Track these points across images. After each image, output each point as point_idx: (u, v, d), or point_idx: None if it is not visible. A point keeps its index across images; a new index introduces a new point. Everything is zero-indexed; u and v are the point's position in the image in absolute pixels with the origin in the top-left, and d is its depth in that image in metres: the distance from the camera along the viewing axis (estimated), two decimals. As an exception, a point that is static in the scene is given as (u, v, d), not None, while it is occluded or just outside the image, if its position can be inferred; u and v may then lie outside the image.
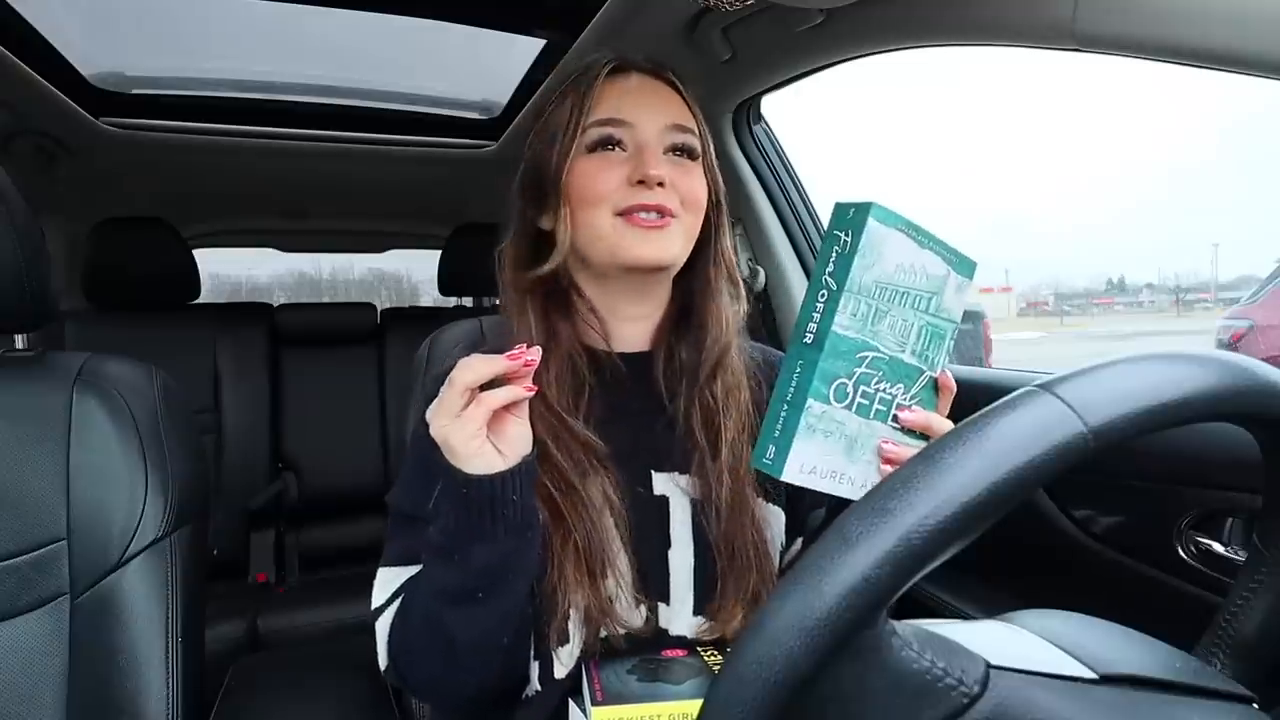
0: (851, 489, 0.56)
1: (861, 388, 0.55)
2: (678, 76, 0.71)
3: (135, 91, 1.62)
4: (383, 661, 0.64)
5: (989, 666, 0.34)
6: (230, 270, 3.40)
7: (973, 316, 5.66)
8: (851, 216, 0.52)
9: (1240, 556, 0.74)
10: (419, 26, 1.29)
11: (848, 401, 0.55)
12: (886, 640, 0.33)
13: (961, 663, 0.34)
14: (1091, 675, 0.36)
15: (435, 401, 0.56)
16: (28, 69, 1.34)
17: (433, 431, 0.55)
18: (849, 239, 0.52)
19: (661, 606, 0.65)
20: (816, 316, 0.54)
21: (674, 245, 0.66)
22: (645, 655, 0.62)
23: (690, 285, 0.72)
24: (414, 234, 2.65)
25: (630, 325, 0.72)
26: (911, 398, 0.58)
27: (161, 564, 0.76)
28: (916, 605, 1.07)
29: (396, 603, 0.64)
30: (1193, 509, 0.78)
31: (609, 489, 0.65)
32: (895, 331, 0.55)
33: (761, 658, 0.31)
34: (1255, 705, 0.39)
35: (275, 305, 2.10)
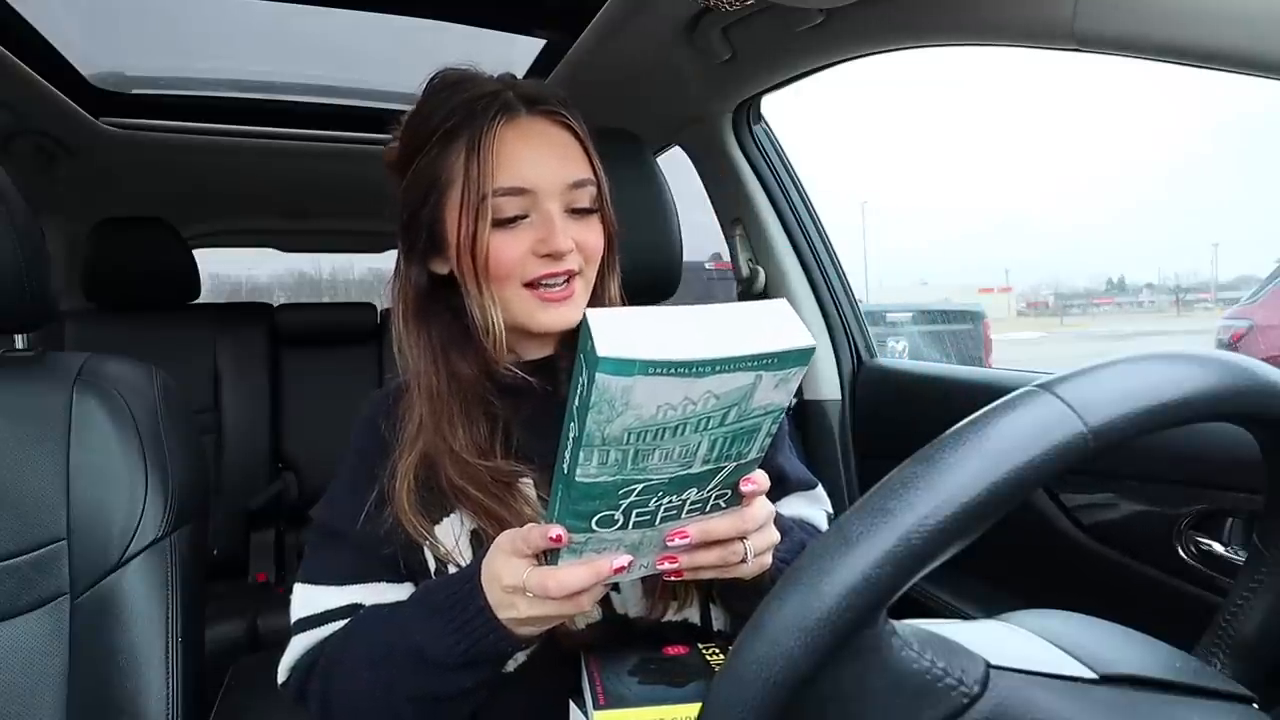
0: (644, 569, 0.53)
1: (636, 511, 0.47)
2: (564, 104, 0.68)
3: (135, 91, 1.63)
4: (283, 676, 0.68)
5: (989, 666, 0.34)
6: (230, 270, 3.40)
7: (973, 316, 5.66)
8: (588, 349, 0.39)
9: (1240, 556, 0.74)
10: (419, 26, 1.29)
11: (619, 525, 0.48)
12: (886, 640, 0.33)
13: (961, 663, 0.34)
14: (1091, 675, 0.36)
15: (537, 574, 0.52)
16: (28, 69, 1.34)
17: (517, 604, 0.52)
18: (585, 380, 0.40)
19: (613, 595, 0.66)
20: (566, 451, 0.44)
21: (578, 308, 0.68)
22: (646, 654, 0.62)
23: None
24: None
25: (532, 337, 0.72)
26: (712, 494, 0.49)
27: (161, 564, 0.76)
28: (916, 605, 1.07)
29: (321, 632, 0.67)
30: (1193, 509, 0.78)
31: (538, 500, 0.66)
32: (674, 458, 0.44)
33: (761, 657, 0.31)
34: (1255, 705, 0.39)
35: (275, 305, 2.10)
